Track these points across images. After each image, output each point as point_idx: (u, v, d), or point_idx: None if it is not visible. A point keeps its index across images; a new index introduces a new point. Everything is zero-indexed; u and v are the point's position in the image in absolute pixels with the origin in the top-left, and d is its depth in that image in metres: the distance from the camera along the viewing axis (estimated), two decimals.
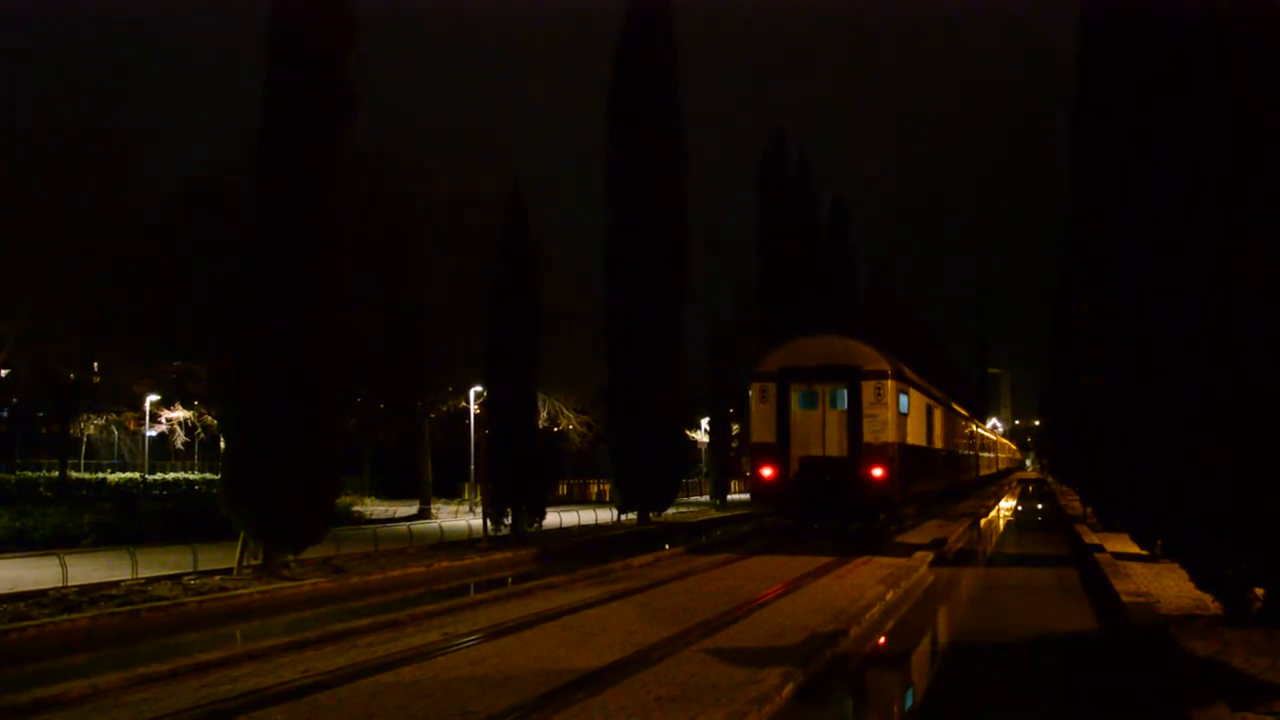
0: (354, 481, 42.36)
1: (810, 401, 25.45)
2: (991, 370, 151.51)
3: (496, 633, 12.73)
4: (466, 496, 46.69)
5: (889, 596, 15.60)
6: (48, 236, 30.02)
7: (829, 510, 25.66)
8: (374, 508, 41.54)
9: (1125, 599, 13.44)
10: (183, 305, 31.50)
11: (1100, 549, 20.17)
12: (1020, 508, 48.11)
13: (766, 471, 25.59)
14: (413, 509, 40.40)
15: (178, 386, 38.59)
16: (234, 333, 18.95)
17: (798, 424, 25.37)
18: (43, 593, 15.21)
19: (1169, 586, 14.78)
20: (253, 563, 18.08)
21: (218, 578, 17.39)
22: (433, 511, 39.70)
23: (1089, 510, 30.18)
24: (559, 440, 44.37)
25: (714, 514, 40.33)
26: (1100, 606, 15.04)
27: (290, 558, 18.64)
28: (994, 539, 29.88)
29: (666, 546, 25.31)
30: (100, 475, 46.46)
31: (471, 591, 18.21)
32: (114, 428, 52.04)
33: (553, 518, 29.87)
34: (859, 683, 11.40)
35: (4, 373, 34.58)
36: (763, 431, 25.80)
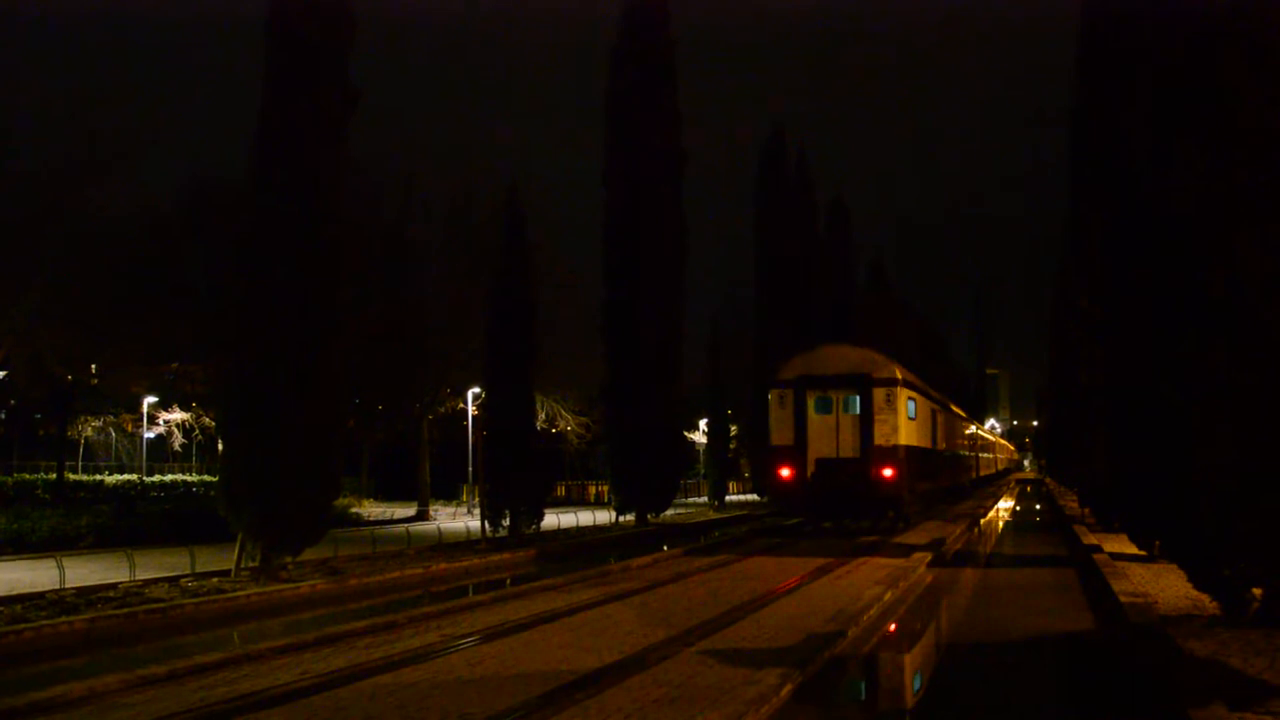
0: (352, 483, 42.28)
1: (825, 407, 27.31)
2: (989, 370, 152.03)
3: (495, 634, 12.72)
4: (464, 498, 46.69)
5: (887, 597, 15.59)
6: (47, 236, 30.00)
7: (842, 507, 27.60)
8: (372, 509, 41.52)
9: (1123, 599, 13.44)
10: (182, 305, 31.49)
11: (1098, 549, 20.18)
12: (1018, 508, 48.12)
13: (785, 471, 27.42)
14: (411, 510, 40.40)
15: (175, 388, 38.58)
16: (232, 333, 18.92)
17: (813, 428, 27.25)
18: (40, 595, 15.18)
19: (1167, 587, 14.77)
20: (251, 564, 18.06)
21: (215, 580, 17.38)
22: (431, 513, 39.69)
23: (1087, 510, 30.21)
24: (557, 441, 44.41)
25: (712, 515, 40.31)
26: (1098, 607, 15.03)
27: (288, 559, 18.62)
28: (992, 539, 29.89)
29: (665, 548, 25.33)
30: (98, 477, 46.27)
31: (470, 593, 18.17)
32: (112, 429, 52.04)
33: (551, 519, 29.88)
34: (857, 684, 11.40)
35: (2, 374, 34.51)
36: (782, 435, 27.64)
